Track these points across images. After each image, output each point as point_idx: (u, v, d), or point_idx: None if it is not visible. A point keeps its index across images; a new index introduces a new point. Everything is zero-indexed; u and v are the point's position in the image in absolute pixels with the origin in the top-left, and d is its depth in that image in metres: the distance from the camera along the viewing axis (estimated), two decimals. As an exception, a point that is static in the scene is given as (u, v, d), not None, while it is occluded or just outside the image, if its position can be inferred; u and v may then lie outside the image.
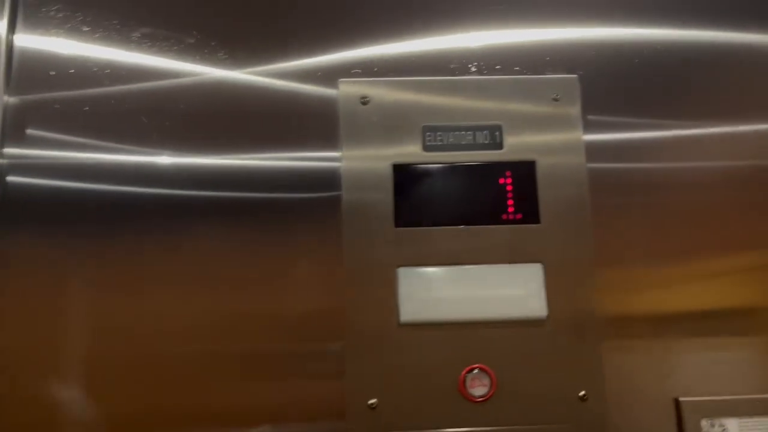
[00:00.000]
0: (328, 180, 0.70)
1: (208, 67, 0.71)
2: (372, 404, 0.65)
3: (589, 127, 0.72)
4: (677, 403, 0.67)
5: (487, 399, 0.66)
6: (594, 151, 0.72)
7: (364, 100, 0.71)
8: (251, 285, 0.67)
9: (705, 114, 0.73)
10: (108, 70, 0.70)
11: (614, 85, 0.74)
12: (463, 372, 0.66)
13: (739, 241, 0.71)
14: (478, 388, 0.66)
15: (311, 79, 0.72)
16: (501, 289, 0.68)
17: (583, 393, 0.67)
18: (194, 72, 0.71)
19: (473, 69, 0.73)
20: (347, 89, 0.72)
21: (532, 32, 0.75)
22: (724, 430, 0.66)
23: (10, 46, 0.69)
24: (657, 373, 0.68)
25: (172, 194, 0.68)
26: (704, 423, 0.66)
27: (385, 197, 0.70)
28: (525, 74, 0.73)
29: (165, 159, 0.69)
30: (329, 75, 0.72)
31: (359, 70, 0.72)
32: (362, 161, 0.70)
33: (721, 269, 0.70)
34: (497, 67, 0.73)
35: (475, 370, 0.67)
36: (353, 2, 0.74)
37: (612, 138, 0.73)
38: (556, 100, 0.73)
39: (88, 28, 0.71)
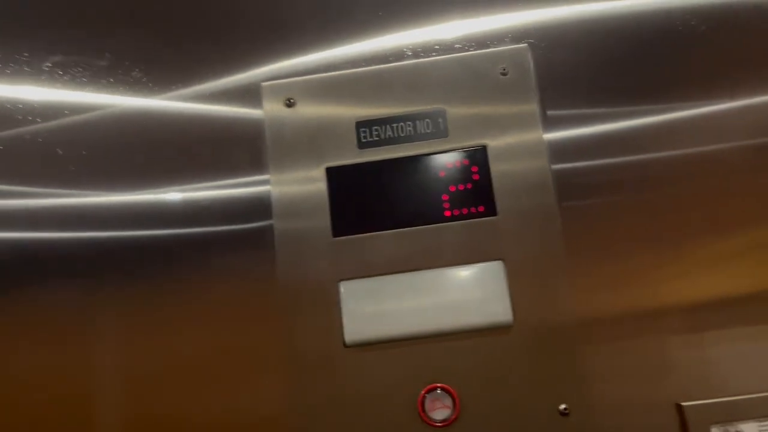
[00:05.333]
0: (257, 202, 0.63)
1: (123, 94, 0.66)
2: (321, 439, 0.58)
3: (546, 107, 0.63)
4: (680, 409, 0.56)
5: (450, 423, 0.57)
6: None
7: (290, 102, 0.65)
8: (184, 326, 0.61)
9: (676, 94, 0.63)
10: (20, 105, 0.66)
11: (571, 59, 0.64)
12: (422, 393, 0.58)
13: (731, 225, 0.60)
14: (440, 411, 0.58)
15: (233, 97, 0.65)
16: (458, 295, 0.60)
17: (564, 407, 0.57)
18: (109, 104, 0.66)
19: (409, 53, 0.66)
20: (271, 92, 0.65)
21: (473, 6, 0.66)
22: (741, 437, 0.55)
23: None
24: (652, 376, 0.57)
25: (92, 237, 0.63)
26: (715, 430, 0.55)
27: (320, 205, 0.62)
28: (467, 51, 0.65)
29: (84, 199, 0.64)
30: (252, 90, 0.65)
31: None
32: (292, 169, 0.63)
33: (716, 256, 0.59)
34: (436, 47, 0.66)
35: (435, 391, 0.58)
36: (273, 13, 0.67)
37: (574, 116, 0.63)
38: (504, 74, 0.64)
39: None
